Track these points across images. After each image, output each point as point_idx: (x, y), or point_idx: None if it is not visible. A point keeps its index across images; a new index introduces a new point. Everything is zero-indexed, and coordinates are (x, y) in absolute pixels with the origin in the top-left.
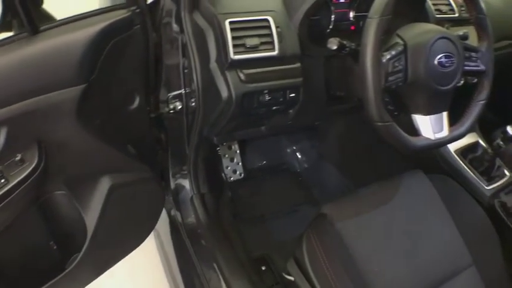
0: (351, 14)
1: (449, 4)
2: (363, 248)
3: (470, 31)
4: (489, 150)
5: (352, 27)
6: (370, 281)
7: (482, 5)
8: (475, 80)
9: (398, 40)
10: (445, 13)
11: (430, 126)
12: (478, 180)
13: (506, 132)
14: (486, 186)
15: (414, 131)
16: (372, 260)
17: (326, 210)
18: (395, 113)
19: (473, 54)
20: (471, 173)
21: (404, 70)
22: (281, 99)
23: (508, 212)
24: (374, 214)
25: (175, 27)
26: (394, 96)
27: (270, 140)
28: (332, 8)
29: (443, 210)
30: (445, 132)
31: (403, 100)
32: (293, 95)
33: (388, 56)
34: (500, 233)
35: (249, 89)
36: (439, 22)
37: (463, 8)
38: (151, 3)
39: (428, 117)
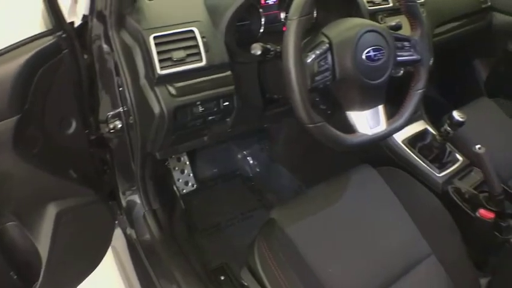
0: (282, 15)
1: None
2: (315, 250)
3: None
4: (437, 137)
5: (284, 28)
6: (324, 282)
7: None
8: None
9: (324, 38)
10: (378, 4)
11: (365, 122)
12: (429, 169)
13: (452, 117)
14: (438, 173)
15: (351, 128)
16: (326, 261)
17: (275, 214)
18: (329, 112)
19: (406, 43)
20: (421, 162)
21: (331, 68)
22: (215, 109)
23: (463, 197)
24: (324, 213)
25: (105, 47)
26: (325, 94)
27: (220, 147)
28: (261, 11)
29: (396, 202)
30: (382, 126)
31: (335, 98)
32: (227, 103)
33: (313, 56)
34: (457, 219)
35: (180, 102)
36: (373, 14)
37: None
38: (79, 26)
39: (362, 112)
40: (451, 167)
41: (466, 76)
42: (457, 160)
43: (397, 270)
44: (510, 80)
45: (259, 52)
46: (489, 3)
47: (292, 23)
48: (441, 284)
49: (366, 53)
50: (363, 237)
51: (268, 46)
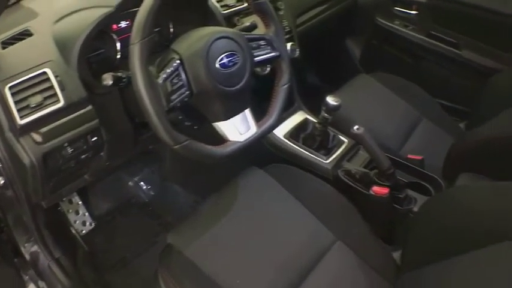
0: None
1: None
2: (219, 265)
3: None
4: (317, 125)
5: None
6: None
7: None
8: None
9: (174, 55)
10: (232, 6)
11: (235, 129)
12: (316, 157)
13: (327, 103)
14: (325, 160)
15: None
16: (232, 273)
17: (171, 239)
18: (195, 127)
19: (261, 42)
20: (307, 153)
21: (186, 84)
22: (85, 147)
23: (355, 178)
24: (221, 225)
25: None
26: (188, 110)
27: (109, 179)
28: (114, 36)
29: (290, 198)
30: (253, 129)
31: (198, 112)
32: (95, 138)
33: (164, 76)
34: (355, 200)
35: (47, 148)
36: (229, 18)
37: None
38: None
39: (229, 121)
40: (337, 151)
41: (341, 57)
42: (343, 142)
43: (307, 264)
44: (383, 52)
45: (110, 82)
46: None
47: (134, 47)
48: (354, 266)
49: (220, 61)
50: (265, 240)
51: (120, 74)
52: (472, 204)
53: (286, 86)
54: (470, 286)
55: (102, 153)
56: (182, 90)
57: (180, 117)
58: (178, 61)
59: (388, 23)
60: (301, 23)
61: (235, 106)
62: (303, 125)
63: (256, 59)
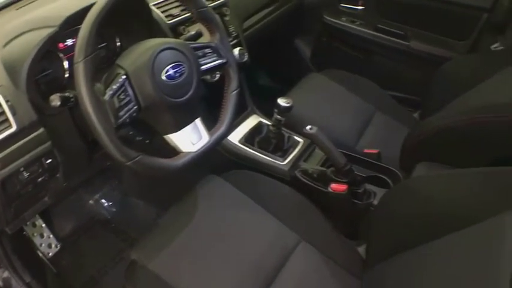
0: None
1: (178, 5)
2: (184, 276)
3: None
4: (271, 127)
5: None
6: None
7: None
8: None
9: (119, 70)
10: (177, 16)
11: (187, 140)
12: (272, 160)
13: (278, 105)
14: (282, 162)
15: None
16: (198, 282)
17: (134, 255)
18: (147, 141)
19: (207, 50)
20: (263, 156)
21: (134, 99)
22: (40, 170)
23: (313, 177)
24: (184, 237)
25: None
26: (138, 125)
27: (70, 200)
28: (61, 55)
29: (251, 203)
30: (205, 139)
31: (149, 126)
32: (50, 160)
33: (111, 92)
34: (315, 199)
35: (3, 175)
36: (174, 27)
37: None
38: None
39: (180, 132)
40: (293, 151)
41: (291, 57)
42: (298, 143)
43: (273, 267)
44: (333, 50)
45: (58, 103)
46: None
47: (78, 66)
48: (320, 265)
49: (166, 73)
50: (229, 247)
51: (67, 94)
52: (429, 194)
53: (235, 92)
54: (433, 275)
55: (58, 175)
56: (130, 106)
57: (131, 133)
58: (124, 76)
59: (336, 20)
60: (248, 27)
61: (185, 116)
62: (257, 128)
63: (203, 67)
